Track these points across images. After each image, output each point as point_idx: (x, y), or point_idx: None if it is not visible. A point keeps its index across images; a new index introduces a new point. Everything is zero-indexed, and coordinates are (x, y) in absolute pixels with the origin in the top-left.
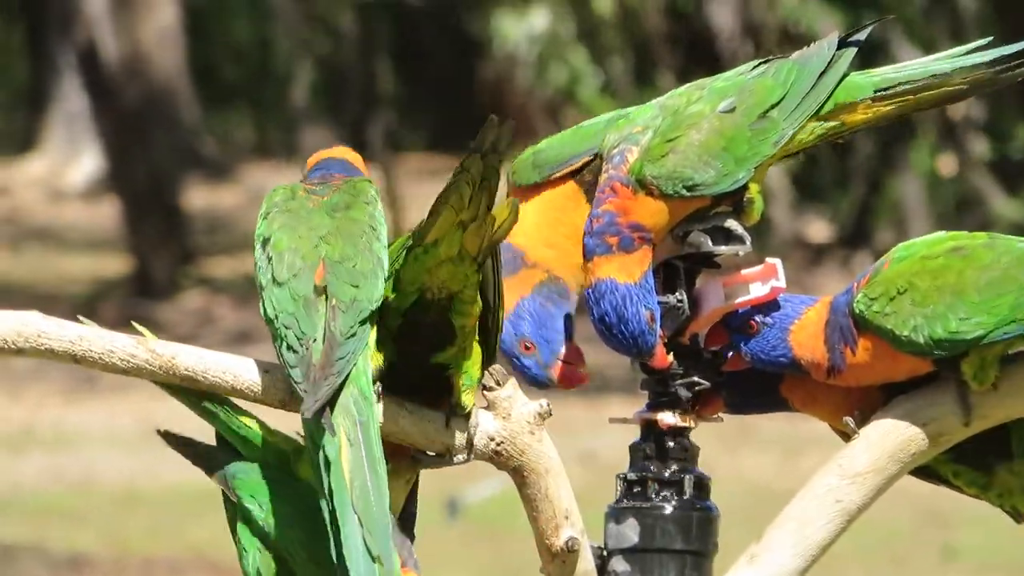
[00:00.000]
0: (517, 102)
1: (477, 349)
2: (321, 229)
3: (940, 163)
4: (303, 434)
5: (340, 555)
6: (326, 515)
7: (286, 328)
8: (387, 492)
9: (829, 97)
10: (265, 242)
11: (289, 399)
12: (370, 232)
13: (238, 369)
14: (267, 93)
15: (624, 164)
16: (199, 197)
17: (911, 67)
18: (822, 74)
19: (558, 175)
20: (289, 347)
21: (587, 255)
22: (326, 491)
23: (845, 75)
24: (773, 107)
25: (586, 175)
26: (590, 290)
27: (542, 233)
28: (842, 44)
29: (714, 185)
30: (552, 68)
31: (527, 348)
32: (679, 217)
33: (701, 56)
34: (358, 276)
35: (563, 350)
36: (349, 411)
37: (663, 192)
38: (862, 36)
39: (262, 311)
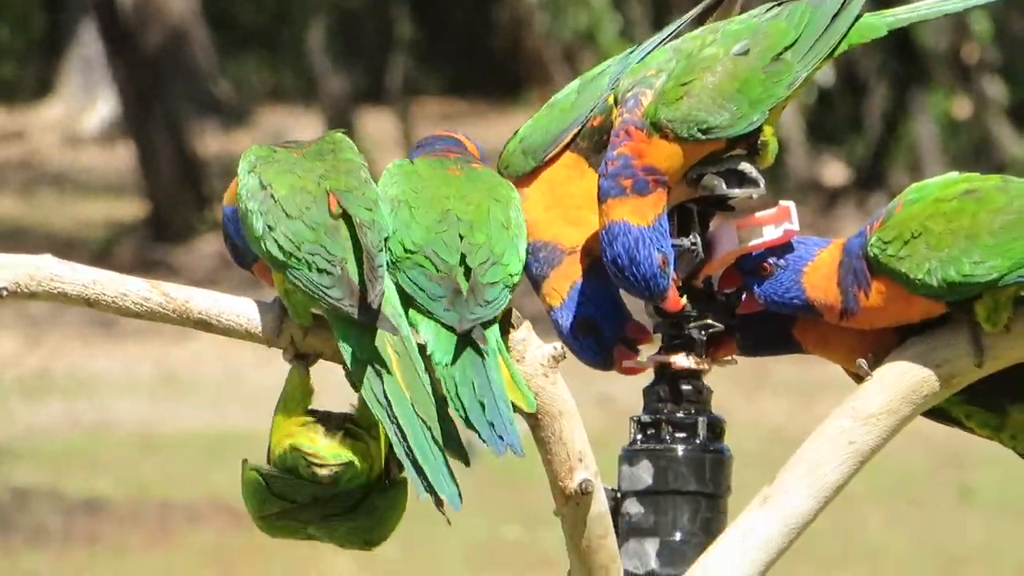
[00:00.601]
0: (534, 47)
1: None
2: (317, 170)
3: (955, 106)
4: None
5: (414, 464)
6: (389, 429)
7: (312, 255)
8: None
9: (843, 39)
10: (262, 187)
11: (303, 341)
12: (364, 169)
13: (252, 312)
14: (283, 38)
15: (639, 107)
16: (215, 142)
17: (924, 6)
18: (835, 16)
19: (552, 154)
20: (320, 271)
21: (601, 197)
22: (386, 403)
23: (859, 16)
24: (787, 49)
25: (580, 142)
26: (604, 231)
27: (559, 215)
28: None
29: (729, 128)
30: (570, 12)
31: (587, 329)
32: (694, 160)
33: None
34: (369, 202)
35: (627, 327)
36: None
37: (678, 135)
38: None
39: (269, 250)
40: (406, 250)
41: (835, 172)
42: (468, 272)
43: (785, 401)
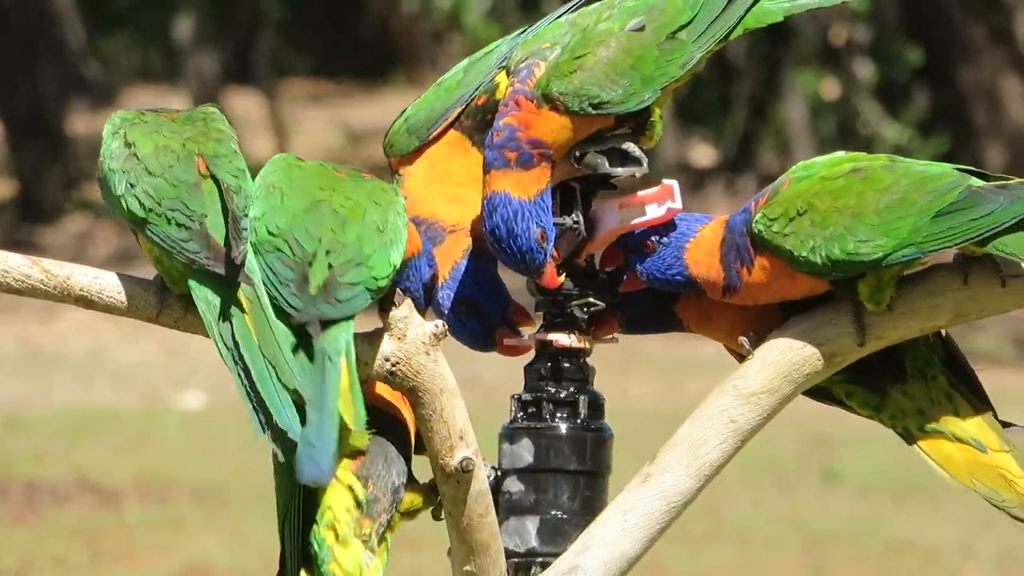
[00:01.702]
0: (402, 28)
1: None
2: (186, 133)
3: (824, 87)
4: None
5: (258, 401)
6: (233, 370)
7: (171, 211)
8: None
9: (739, 22)
10: (127, 146)
11: (184, 316)
12: (234, 141)
13: (134, 289)
14: (152, 17)
15: (531, 78)
16: (83, 122)
17: None
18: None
19: (436, 132)
20: (179, 225)
21: (485, 167)
22: (233, 344)
23: (752, 3)
24: (682, 28)
25: (464, 121)
26: (485, 201)
27: (438, 191)
28: None
29: (620, 104)
30: None
31: (470, 310)
32: (582, 135)
33: None
34: (236, 170)
35: (509, 309)
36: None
37: (568, 108)
38: None
39: (129, 208)
40: (269, 233)
41: (703, 154)
42: (330, 268)
43: (655, 380)
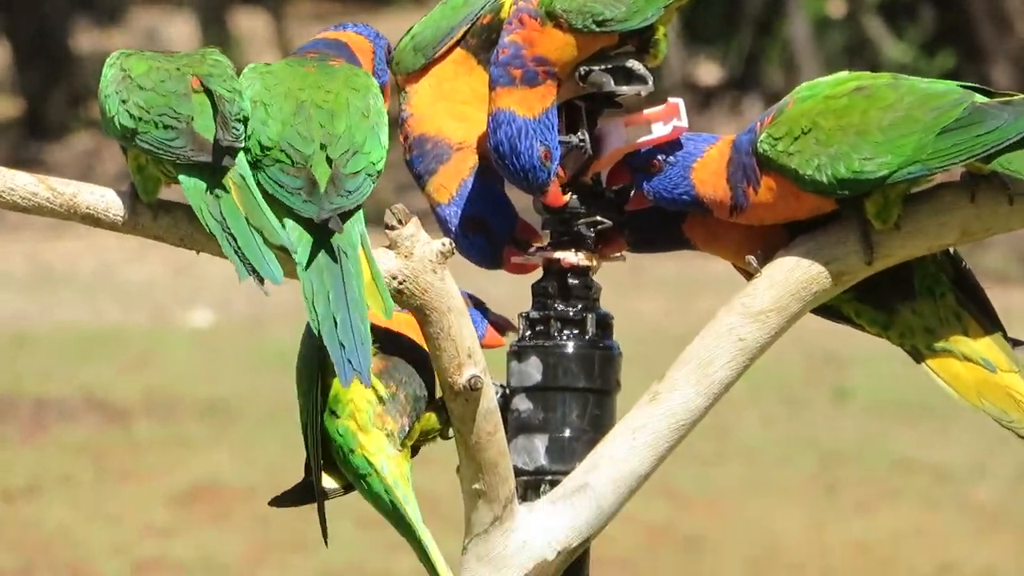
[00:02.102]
0: None
1: None
2: (180, 61)
3: (830, 5)
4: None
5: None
6: (221, 237)
7: (159, 116)
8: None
9: None
10: (122, 72)
11: (191, 235)
12: (231, 69)
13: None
14: None
15: None
16: (88, 40)
17: None
18: None
19: (442, 51)
20: (166, 127)
21: (491, 85)
22: (219, 217)
23: None
24: None
25: (469, 39)
26: (490, 118)
27: (444, 109)
28: None
29: (624, 21)
30: None
31: (477, 227)
32: (586, 53)
33: None
34: (231, 89)
35: (516, 226)
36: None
37: (572, 26)
38: None
39: (121, 123)
40: (263, 148)
41: (709, 72)
42: (330, 163)
43: (663, 299)
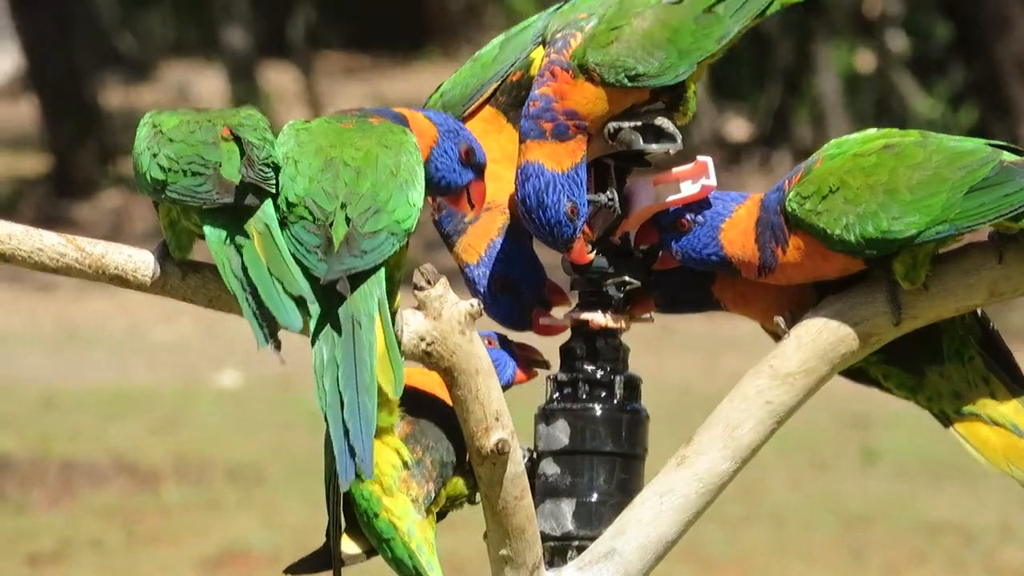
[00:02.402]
0: (436, 1)
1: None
2: (213, 114)
3: (859, 60)
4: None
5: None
6: (242, 297)
7: (187, 165)
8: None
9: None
10: (153, 128)
11: (219, 296)
12: (265, 122)
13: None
14: None
15: (567, 49)
16: (118, 95)
17: None
18: None
19: (472, 108)
20: (194, 174)
21: (521, 137)
22: (240, 273)
23: None
24: (719, 2)
25: (499, 97)
26: (519, 171)
27: None
28: None
29: (656, 77)
30: None
31: (505, 287)
32: (618, 108)
33: None
34: (263, 135)
35: (545, 288)
36: (260, 219)
37: (604, 80)
38: None
39: (152, 176)
40: (290, 204)
41: (738, 128)
42: (348, 222)
43: (691, 358)
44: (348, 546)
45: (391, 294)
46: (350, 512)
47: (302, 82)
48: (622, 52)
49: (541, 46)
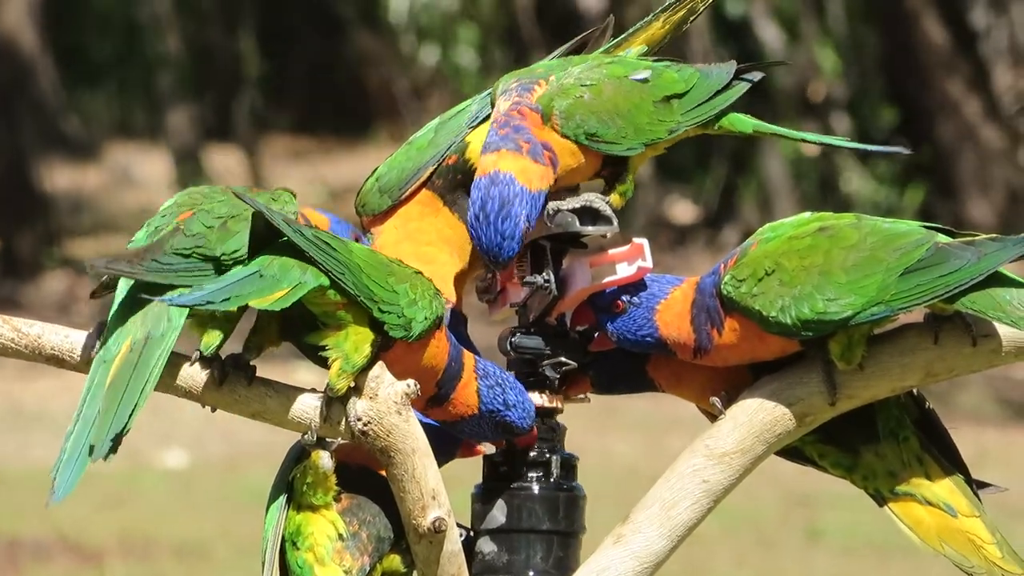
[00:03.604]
0: (382, 84)
1: (363, 335)
2: (198, 195)
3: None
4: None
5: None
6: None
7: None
8: (135, 404)
9: (717, 117)
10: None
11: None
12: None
13: None
14: (132, 72)
15: (531, 93)
16: (63, 177)
17: (786, 131)
18: (717, 92)
19: (408, 192)
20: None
21: (492, 148)
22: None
23: (733, 106)
24: (676, 97)
25: (435, 180)
26: (486, 175)
27: (409, 251)
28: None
29: (610, 144)
30: (428, 46)
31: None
32: (573, 166)
33: (569, 38)
34: (214, 220)
35: None
36: (146, 323)
37: (562, 131)
38: (755, 77)
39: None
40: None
41: (683, 210)
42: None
43: (636, 438)
44: None
45: (341, 334)
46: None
47: (247, 164)
48: (585, 108)
49: (491, 98)
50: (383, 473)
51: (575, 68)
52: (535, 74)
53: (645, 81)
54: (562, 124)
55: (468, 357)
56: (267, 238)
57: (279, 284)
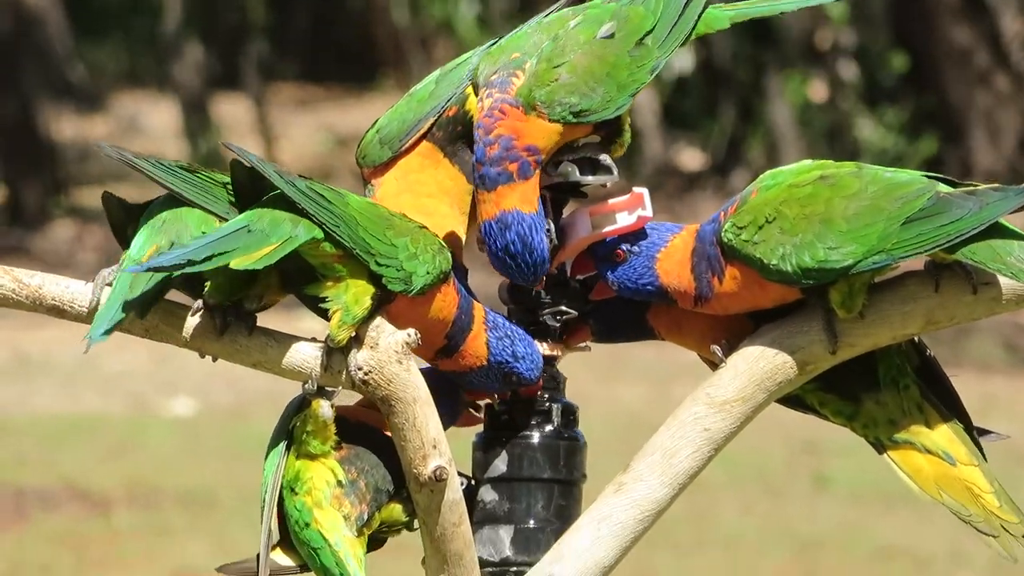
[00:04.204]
0: (390, 33)
1: (363, 287)
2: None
3: (811, 90)
4: None
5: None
6: None
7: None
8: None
9: (693, 29)
10: None
11: (155, 326)
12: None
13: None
14: (139, 21)
15: (510, 87)
16: (70, 126)
17: (762, 8)
18: (686, 5)
19: (408, 144)
20: None
21: (488, 184)
22: None
23: (705, 7)
24: (647, 34)
25: (435, 132)
26: (493, 222)
27: (408, 202)
28: None
29: (598, 112)
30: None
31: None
32: (564, 141)
33: None
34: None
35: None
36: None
37: (550, 117)
38: None
39: None
40: None
41: (691, 157)
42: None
43: (642, 386)
44: (281, 558)
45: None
46: (284, 526)
47: (255, 113)
48: (565, 88)
49: (473, 86)
50: (384, 432)
51: (545, 47)
52: (511, 60)
53: (611, 36)
54: (548, 112)
55: (478, 309)
56: (253, 192)
57: (267, 239)
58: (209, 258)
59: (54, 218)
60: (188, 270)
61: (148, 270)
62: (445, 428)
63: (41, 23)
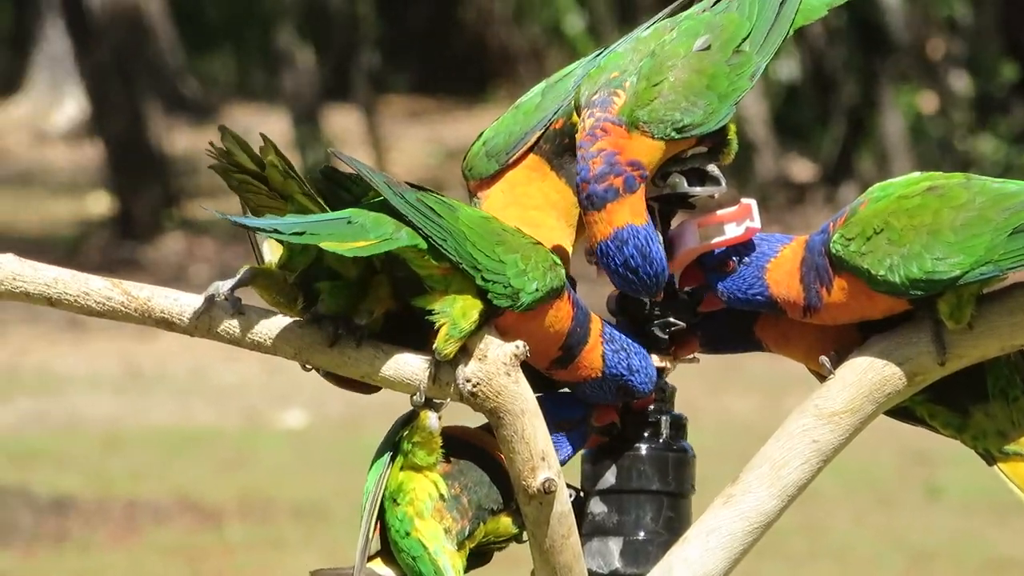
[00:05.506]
0: (500, 44)
1: (470, 302)
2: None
3: (922, 101)
4: None
5: None
6: None
7: None
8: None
9: (791, 26)
10: None
11: (269, 342)
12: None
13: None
14: (250, 34)
15: (612, 107)
16: (182, 139)
17: None
18: (782, 3)
19: (515, 156)
20: None
21: (596, 203)
22: None
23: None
24: (744, 41)
25: (543, 145)
26: (609, 240)
27: (515, 215)
28: None
29: (702, 125)
30: (535, 9)
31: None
32: (668, 156)
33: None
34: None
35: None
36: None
37: (654, 136)
38: None
39: None
40: None
41: (803, 168)
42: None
43: (754, 397)
44: (380, 568)
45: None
46: (385, 537)
47: (365, 125)
48: (666, 106)
49: (575, 107)
50: (493, 453)
51: (643, 64)
52: (611, 80)
53: (708, 47)
54: (651, 131)
55: (595, 322)
56: (330, 205)
57: (366, 234)
58: (299, 234)
59: (166, 231)
60: (273, 237)
61: (234, 224)
62: (575, 453)
63: (153, 36)
